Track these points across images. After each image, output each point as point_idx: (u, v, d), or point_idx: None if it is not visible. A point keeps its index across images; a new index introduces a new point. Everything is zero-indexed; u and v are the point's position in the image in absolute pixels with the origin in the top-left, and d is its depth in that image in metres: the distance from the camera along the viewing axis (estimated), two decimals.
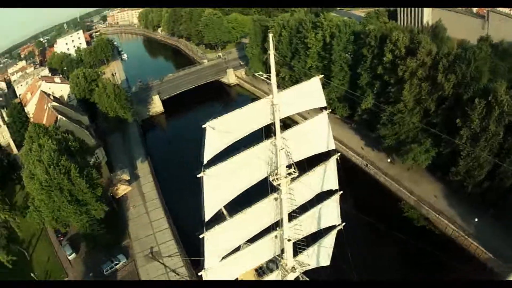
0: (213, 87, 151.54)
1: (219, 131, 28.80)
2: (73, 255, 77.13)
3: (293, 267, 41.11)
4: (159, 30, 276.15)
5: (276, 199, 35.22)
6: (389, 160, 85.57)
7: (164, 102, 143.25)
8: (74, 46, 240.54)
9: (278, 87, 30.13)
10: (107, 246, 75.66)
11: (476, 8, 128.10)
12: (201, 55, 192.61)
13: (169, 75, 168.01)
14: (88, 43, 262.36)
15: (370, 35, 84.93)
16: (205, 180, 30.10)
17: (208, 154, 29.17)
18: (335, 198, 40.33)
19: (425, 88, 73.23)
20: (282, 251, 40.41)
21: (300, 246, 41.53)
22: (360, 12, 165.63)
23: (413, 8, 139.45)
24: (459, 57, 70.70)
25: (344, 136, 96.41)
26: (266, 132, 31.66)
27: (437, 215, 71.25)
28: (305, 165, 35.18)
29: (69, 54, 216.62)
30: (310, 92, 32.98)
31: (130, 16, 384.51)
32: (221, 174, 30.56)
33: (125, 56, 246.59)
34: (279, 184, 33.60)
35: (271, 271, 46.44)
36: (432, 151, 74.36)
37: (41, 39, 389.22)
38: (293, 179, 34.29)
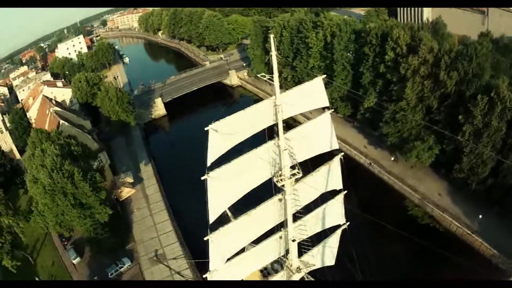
0: (216, 89, 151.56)
1: (222, 134, 28.76)
2: (78, 259, 77.09)
3: (298, 268, 41.05)
4: (160, 33, 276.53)
5: (280, 200, 35.16)
6: (392, 158, 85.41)
7: (166, 105, 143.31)
8: (75, 50, 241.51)
9: (281, 87, 30.07)
10: (111, 249, 75.60)
11: None
12: (203, 57, 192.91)
13: (171, 78, 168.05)
14: (89, 47, 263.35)
15: (371, 34, 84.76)
16: (209, 182, 30.09)
17: (212, 156, 29.19)
18: (339, 197, 40.26)
19: (427, 86, 73.14)
20: (287, 251, 40.35)
21: (304, 246, 41.48)
22: (360, 10, 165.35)
23: None
24: (460, 53, 70.55)
25: (347, 135, 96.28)
26: (269, 133, 31.61)
27: (441, 213, 71.00)
28: (309, 165, 35.12)
29: (71, 59, 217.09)
30: (313, 93, 32.94)
31: (130, 20, 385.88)
32: (225, 176, 30.54)
33: (126, 60, 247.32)
34: (283, 185, 33.55)
35: (276, 271, 46.42)
36: (436, 149, 74.19)
37: (42, 45, 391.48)
38: (297, 180, 34.23)
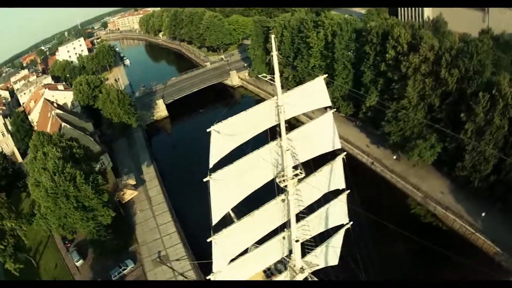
0: (217, 90, 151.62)
1: (224, 135, 28.68)
2: (81, 261, 77.15)
3: (301, 268, 40.91)
4: (160, 34, 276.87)
5: (283, 200, 35.05)
6: (394, 157, 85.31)
7: (168, 106, 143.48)
8: (76, 53, 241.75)
9: (282, 87, 30.00)
10: (114, 251, 75.66)
11: None
12: (204, 58, 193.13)
13: (172, 79, 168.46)
14: (89, 50, 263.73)
15: (372, 32, 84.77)
16: (212, 184, 30.01)
17: (214, 158, 29.10)
18: (342, 197, 40.12)
19: (429, 84, 73.11)
20: (290, 252, 40.23)
21: (308, 246, 41.38)
22: (361, 8, 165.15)
23: None
24: (461, 51, 70.55)
25: (349, 134, 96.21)
26: (271, 134, 31.54)
27: (444, 211, 70.87)
28: (311, 165, 35.02)
29: (71, 62, 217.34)
30: (315, 92, 32.84)
31: (130, 21, 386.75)
32: (228, 178, 30.45)
33: (127, 62, 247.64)
34: (286, 186, 33.43)
35: (280, 272, 46.38)
36: (438, 147, 74.05)
37: (43, 48, 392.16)
38: (300, 180, 34.09)
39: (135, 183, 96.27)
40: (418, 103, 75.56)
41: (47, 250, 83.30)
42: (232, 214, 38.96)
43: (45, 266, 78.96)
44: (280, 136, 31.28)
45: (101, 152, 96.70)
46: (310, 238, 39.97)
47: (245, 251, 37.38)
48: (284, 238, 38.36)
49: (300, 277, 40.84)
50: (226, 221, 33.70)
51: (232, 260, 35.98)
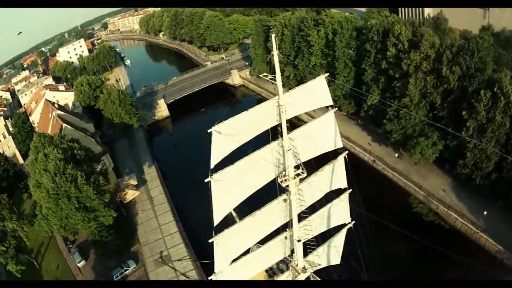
0: (218, 89, 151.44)
1: (225, 135, 28.59)
2: (83, 262, 77.03)
3: (303, 268, 40.84)
4: (161, 34, 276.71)
5: (285, 200, 34.95)
6: (396, 155, 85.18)
7: (169, 106, 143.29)
8: (76, 54, 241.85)
9: (283, 86, 29.91)
10: (116, 252, 75.63)
11: None
12: (204, 58, 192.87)
13: (173, 79, 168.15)
14: (90, 50, 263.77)
15: (373, 30, 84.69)
16: (213, 184, 29.92)
17: (215, 158, 29.01)
18: (344, 196, 40.03)
19: (430, 82, 72.99)
20: (292, 251, 40.16)
21: (310, 246, 41.28)
22: None
23: None
24: (462, 48, 70.47)
25: (350, 132, 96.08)
26: (273, 134, 31.42)
27: (446, 210, 70.75)
28: (313, 165, 34.88)
29: (72, 63, 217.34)
30: (316, 91, 32.75)
31: (131, 22, 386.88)
32: (229, 178, 30.36)
33: (128, 62, 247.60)
34: (287, 186, 33.33)
35: (282, 271, 46.31)
36: (439, 145, 73.91)
37: (43, 49, 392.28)
38: (301, 180, 33.98)
39: (136, 183, 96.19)
40: (420, 101, 75.46)
41: (49, 251, 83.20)
42: (234, 214, 38.94)
43: (47, 267, 78.86)
44: (282, 135, 31.17)
45: (102, 153, 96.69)
46: (312, 238, 39.92)
47: (247, 251, 37.31)
48: (286, 238, 38.28)
49: (302, 276, 40.77)
50: (228, 221, 33.64)
51: (234, 260, 35.91)
